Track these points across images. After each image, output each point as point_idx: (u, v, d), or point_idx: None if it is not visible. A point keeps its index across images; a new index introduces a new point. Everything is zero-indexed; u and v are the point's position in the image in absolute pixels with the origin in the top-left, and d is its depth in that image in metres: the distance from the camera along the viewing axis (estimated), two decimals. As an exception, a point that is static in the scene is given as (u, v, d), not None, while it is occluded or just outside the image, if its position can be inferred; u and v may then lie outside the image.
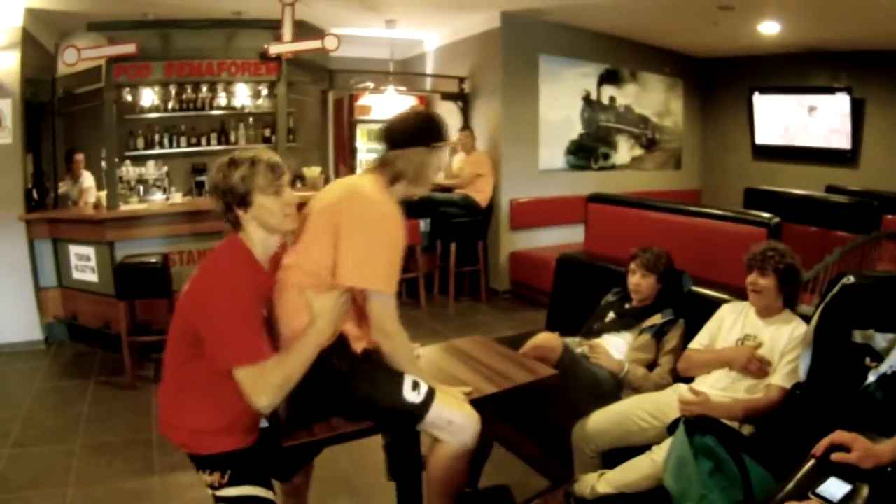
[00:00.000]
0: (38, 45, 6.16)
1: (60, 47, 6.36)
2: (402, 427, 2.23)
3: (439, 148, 2.25)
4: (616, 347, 3.12)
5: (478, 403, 2.29)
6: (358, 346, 2.16)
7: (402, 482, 2.44)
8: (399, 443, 2.39)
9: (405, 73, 8.16)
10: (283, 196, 2.04)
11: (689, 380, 2.86)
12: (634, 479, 2.56)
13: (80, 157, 6.19)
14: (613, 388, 3.00)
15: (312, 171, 6.35)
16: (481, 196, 6.64)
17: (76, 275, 5.92)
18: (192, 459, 2.14)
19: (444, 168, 6.88)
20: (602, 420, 2.79)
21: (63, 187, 6.30)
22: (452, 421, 2.16)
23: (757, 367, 2.61)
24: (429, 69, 8.08)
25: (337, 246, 2.09)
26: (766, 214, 3.35)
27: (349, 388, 2.11)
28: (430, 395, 2.15)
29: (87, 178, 6.21)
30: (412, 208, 6.39)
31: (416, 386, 2.14)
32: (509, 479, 3.26)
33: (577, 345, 3.17)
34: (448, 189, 6.66)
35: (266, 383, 1.93)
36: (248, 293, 1.97)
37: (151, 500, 3.34)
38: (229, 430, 2.06)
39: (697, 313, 3.05)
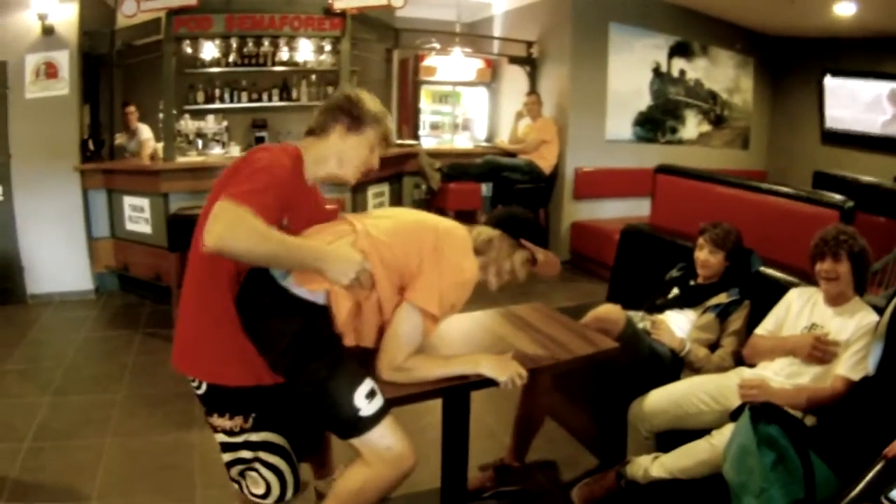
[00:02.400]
0: (96, -3, 6.09)
1: (119, -1, 6.31)
2: (337, 431, 1.98)
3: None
4: (678, 325, 3.00)
5: (534, 373, 2.15)
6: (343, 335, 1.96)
7: (448, 449, 2.37)
8: (448, 407, 2.30)
9: (473, 34, 7.95)
10: (372, 158, 2.08)
11: (752, 364, 2.71)
12: (690, 464, 2.42)
13: (131, 109, 6.11)
14: (674, 367, 2.87)
15: (374, 130, 6.20)
16: (545, 163, 6.46)
17: (129, 226, 5.88)
18: (209, 401, 2.03)
19: (511, 131, 6.70)
20: (660, 399, 2.65)
21: (119, 139, 6.26)
22: (391, 448, 1.93)
23: (821, 354, 2.44)
24: (496, 33, 7.87)
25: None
26: (839, 197, 3.18)
27: (311, 357, 1.90)
28: (383, 411, 1.93)
29: (145, 131, 6.12)
30: (473, 172, 6.21)
31: (372, 394, 1.91)
32: (558, 455, 3.13)
33: (640, 320, 3.04)
34: (512, 154, 6.45)
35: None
36: (284, 178, 1.87)
37: (189, 454, 3.28)
38: (252, 362, 1.94)
39: (764, 295, 2.88)
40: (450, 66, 7.33)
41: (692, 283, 3.11)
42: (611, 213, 6.72)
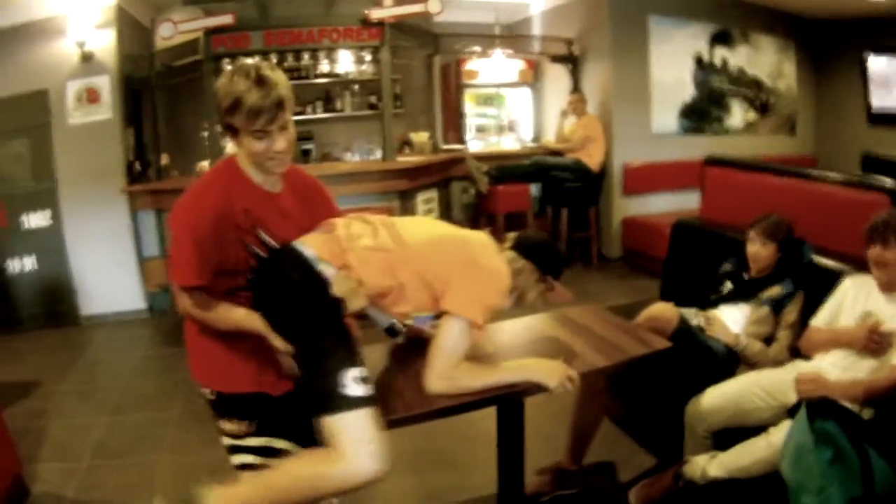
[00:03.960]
0: (134, 21, 6.19)
1: (156, 22, 6.38)
2: (315, 404, 1.80)
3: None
4: (733, 320, 2.94)
5: (589, 376, 2.14)
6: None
7: (504, 455, 2.36)
8: (502, 415, 2.30)
9: (512, 35, 7.89)
10: (273, 141, 1.82)
11: (808, 357, 2.64)
12: (748, 463, 2.36)
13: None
14: (729, 363, 2.82)
15: (420, 137, 6.19)
16: (593, 160, 6.36)
17: (181, 244, 5.82)
18: (217, 407, 2.05)
19: (557, 130, 6.63)
20: (717, 397, 2.60)
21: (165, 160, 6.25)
22: (372, 441, 1.73)
23: (876, 346, 2.36)
24: (535, 33, 7.77)
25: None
26: (889, 181, 3.05)
27: (325, 331, 1.85)
28: (368, 401, 1.78)
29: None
30: (522, 173, 6.14)
31: (363, 381, 1.79)
32: (615, 456, 3.09)
33: (693, 316, 3.00)
34: (559, 153, 6.36)
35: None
36: (211, 213, 1.81)
37: None
38: (258, 371, 1.97)
39: (818, 285, 2.80)
40: (492, 68, 7.29)
41: (745, 276, 3.05)
42: (661, 207, 6.60)
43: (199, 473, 3.11)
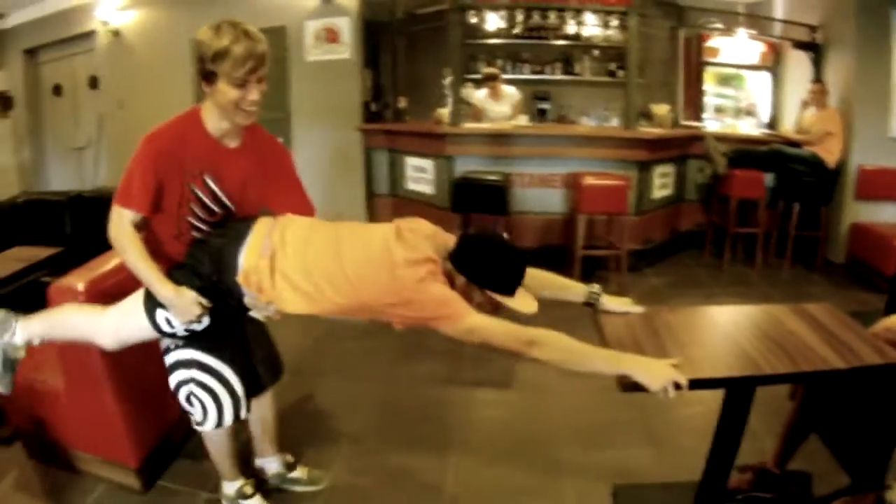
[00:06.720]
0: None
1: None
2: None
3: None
4: None
5: (815, 377, 2.09)
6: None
7: (719, 444, 2.29)
8: (730, 401, 2.22)
9: (755, 15, 7.57)
10: (248, 91, 1.99)
11: None
12: None
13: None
14: None
15: (660, 109, 6.08)
16: (830, 156, 6.07)
17: (410, 185, 6.01)
18: None
19: (797, 120, 6.39)
20: None
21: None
22: (124, 341, 2.22)
23: None
24: (777, 13, 7.43)
25: None
26: None
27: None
28: (157, 330, 2.14)
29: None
30: (759, 160, 5.95)
31: (170, 326, 2.12)
32: (814, 468, 2.89)
33: None
34: (797, 144, 6.12)
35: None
36: (160, 148, 1.99)
37: (448, 409, 3.40)
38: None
39: None
40: (733, 47, 7.09)
41: None
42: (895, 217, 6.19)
43: (405, 407, 3.44)
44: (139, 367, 2.32)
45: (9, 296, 3.33)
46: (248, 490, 2.55)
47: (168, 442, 2.85)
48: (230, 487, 2.55)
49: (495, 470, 2.86)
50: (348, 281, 1.96)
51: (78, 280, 2.40)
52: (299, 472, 2.75)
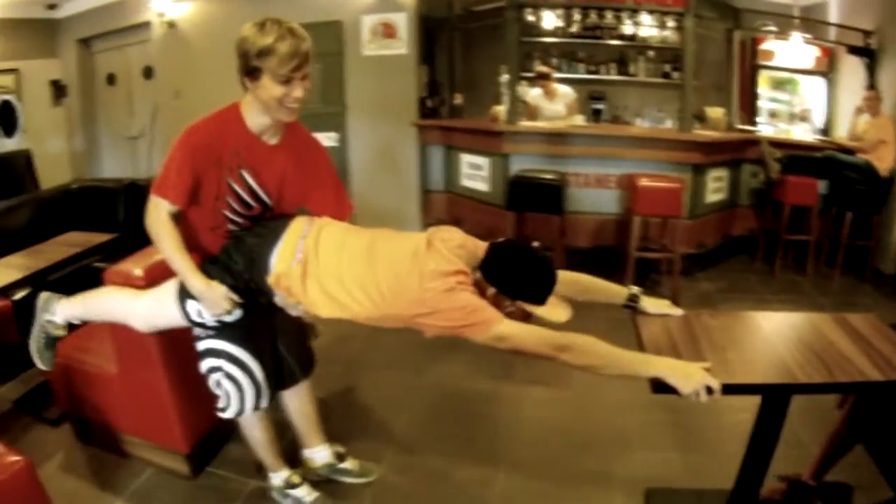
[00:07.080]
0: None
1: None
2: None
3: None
4: None
5: (851, 388, 2.09)
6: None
7: (753, 451, 2.29)
8: (765, 407, 2.21)
9: (809, 18, 7.55)
10: (293, 88, 2.05)
11: None
12: None
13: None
14: None
15: (715, 112, 6.08)
16: (883, 164, 6.00)
17: (465, 182, 6.06)
18: None
19: (851, 127, 6.37)
20: None
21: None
22: (155, 326, 2.37)
23: None
24: (832, 17, 7.36)
25: None
26: None
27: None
28: (186, 318, 2.23)
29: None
30: (812, 166, 5.94)
31: (200, 316, 2.20)
32: (856, 480, 2.83)
33: None
34: (850, 151, 6.09)
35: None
36: (198, 142, 2.05)
37: (496, 405, 3.42)
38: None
39: None
40: (787, 51, 7.04)
41: None
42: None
43: (455, 402, 3.43)
44: (192, 355, 2.36)
45: (62, 279, 3.45)
46: (296, 479, 2.63)
47: (219, 428, 2.89)
48: (277, 478, 2.63)
49: (541, 483, 2.82)
50: (379, 291, 2.00)
51: (135, 266, 2.48)
52: (349, 464, 2.80)
